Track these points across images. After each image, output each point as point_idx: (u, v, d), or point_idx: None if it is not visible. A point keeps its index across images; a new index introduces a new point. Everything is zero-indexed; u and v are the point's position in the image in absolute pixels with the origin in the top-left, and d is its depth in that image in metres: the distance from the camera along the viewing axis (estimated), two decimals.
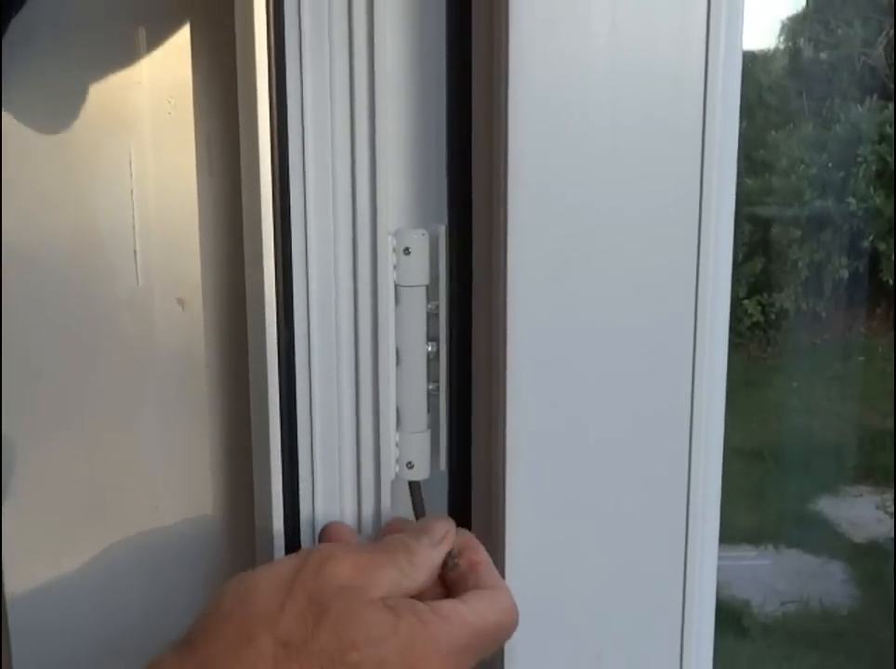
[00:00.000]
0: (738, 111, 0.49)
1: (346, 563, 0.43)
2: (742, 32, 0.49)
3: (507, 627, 0.46)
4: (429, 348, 0.51)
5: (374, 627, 0.41)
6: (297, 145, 0.47)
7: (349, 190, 0.48)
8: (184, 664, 0.41)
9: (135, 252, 0.53)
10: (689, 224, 0.49)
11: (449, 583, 0.47)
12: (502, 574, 0.50)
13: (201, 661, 0.41)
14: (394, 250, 0.49)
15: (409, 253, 0.49)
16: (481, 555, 0.48)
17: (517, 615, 0.47)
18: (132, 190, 0.52)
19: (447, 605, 0.44)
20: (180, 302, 0.54)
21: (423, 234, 0.50)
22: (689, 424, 0.50)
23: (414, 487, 0.52)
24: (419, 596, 0.45)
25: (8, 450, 0.53)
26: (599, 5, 0.47)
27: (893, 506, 2.42)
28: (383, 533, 0.50)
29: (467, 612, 0.44)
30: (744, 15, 0.48)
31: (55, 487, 0.55)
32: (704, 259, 0.49)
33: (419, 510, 0.51)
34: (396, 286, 0.50)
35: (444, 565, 0.47)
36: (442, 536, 0.47)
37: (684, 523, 0.51)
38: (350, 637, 0.41)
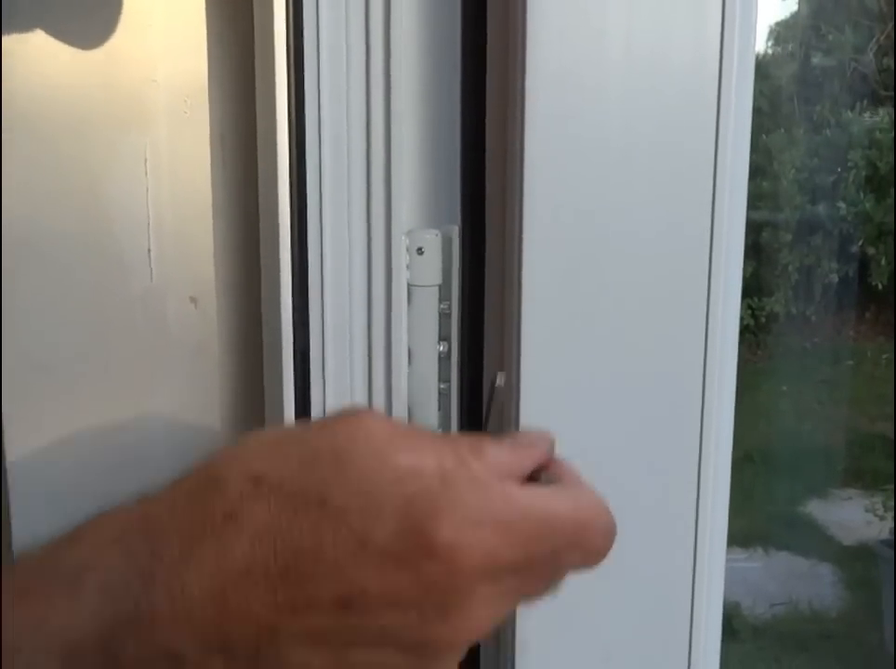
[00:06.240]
0: (750, 120, 0.50)
1: (379, 426, 0.32)
2: (754, 44, 0.49)
3: (588, 524, 0.34)
4: (441, 348, 0.51)
5: (382, 469, 0.30)
6: (314, 146, 0.48)
7: (365, 190, 0.48)
8: (133, 509, 0.32)
9: (149, 250, 0.53)
10: (701, 229, 0.50)
11: None
12: None
13: (152, 505, 0.32)
14: (407, 250, 0.50)
15: (422, 253, 0.50)
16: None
17: (605, 514, 0.35)
18: (147, 189, 0.53)
19: (506, 484, 0.32)
20: (193, 300, 0.55)
21: (436, 234, 0.50)
22: (699, 425, 0.51)
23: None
24: None
25: (18, 445, 0.53)
26: (615, 16, 0.47)
27: (894, 505, 2.43)
28: None
29: (532, 496, 0.33)
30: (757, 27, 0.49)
31: (65, 478, 0.55)
32: (717, 264, 0.50)
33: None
34: (409, 286, 0.50)
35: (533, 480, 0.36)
36: (531, 442, 0.36)
37: (693, 525, 0.52)
38: (342, 476, 0.30)
